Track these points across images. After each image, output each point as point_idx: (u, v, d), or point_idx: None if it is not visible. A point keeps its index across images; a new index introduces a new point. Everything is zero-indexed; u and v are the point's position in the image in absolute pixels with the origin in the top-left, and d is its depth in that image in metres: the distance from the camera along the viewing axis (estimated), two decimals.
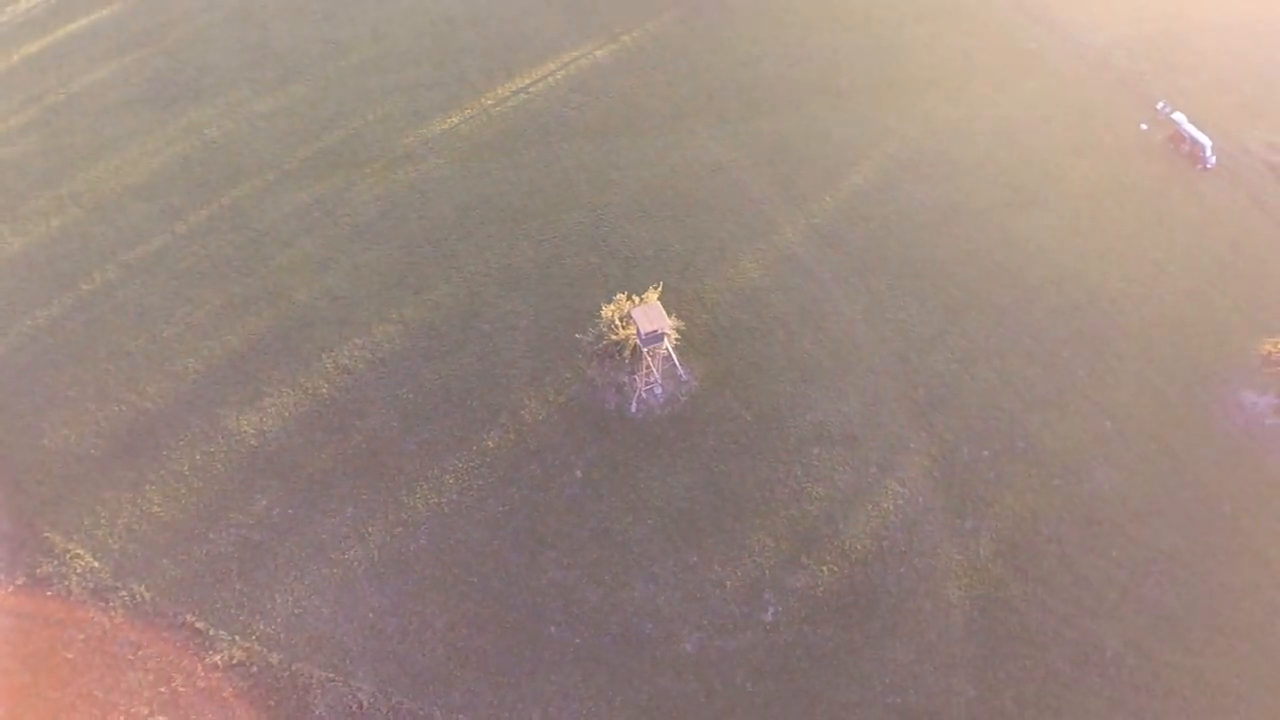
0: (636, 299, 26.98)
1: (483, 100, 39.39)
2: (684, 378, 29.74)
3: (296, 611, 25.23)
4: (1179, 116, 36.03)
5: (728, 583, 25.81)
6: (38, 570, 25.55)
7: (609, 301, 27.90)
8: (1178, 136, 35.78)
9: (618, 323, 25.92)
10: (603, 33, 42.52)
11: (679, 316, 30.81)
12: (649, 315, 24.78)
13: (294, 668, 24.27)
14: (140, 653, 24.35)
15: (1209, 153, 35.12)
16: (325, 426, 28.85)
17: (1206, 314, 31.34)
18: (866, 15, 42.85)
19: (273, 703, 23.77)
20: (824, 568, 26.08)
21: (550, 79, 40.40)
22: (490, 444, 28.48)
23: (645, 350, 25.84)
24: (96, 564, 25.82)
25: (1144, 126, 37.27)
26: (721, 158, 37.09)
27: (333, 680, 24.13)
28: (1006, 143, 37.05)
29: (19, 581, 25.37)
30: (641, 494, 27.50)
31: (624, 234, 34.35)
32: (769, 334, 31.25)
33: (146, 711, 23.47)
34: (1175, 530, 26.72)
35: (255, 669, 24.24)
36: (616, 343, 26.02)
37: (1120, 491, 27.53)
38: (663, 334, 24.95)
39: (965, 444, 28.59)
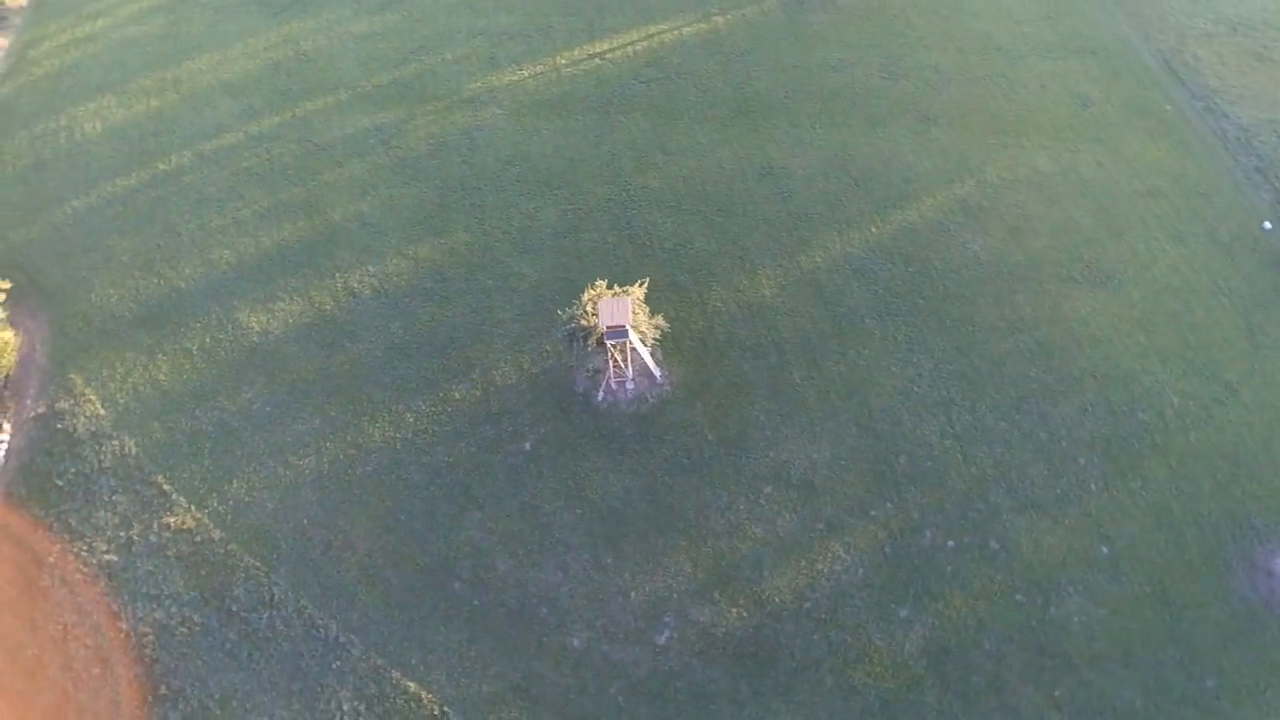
0: (617, 289, 26.49)
1: (558, 59, 39.32)
2: (659, 380, 29.10)
3: (246, 500, 27.53)
4: None
5: (633, 593, 25.52)
6: (56, 404, 29.31)
7: (596, 284, 27.46)
8: None
9: (588, 310, 25.63)
10: (697, 10, 40.97)
11: (673, 317, 30.12)
12: (614, 309, 24.31)
13: (229, 548, 26.63)
14: (114, 497, 27.54)
15: None
16: (319, 340, 30.75)
17: (1267, 457, 26.67)
18: (986, 40, 38.58)
19: (203, 572, 26.29)
20: (734, 609, 25.15)
21: (630, 48, 39.61)
22: (456, 395, 29.33)
23: (610, 344, 25.44)
24: (102, 411, 29.22)
25: (1267, 225, 31.56)
26: (775, 162, 35.17)
27: (257, 569, 26.29)
28: (1096, 209, 32.62)
29: (40, 410, 29.24)
30: (580, 482, 27.50)
31: (649, 220, 33.61)
32: (762, 357, 29.83)
33: (105, 549, 26.63)
34: (1138, 689, 23.49)
35: (199, 539, 26.82)
36: (584, 328, 25.78)
37: (1090, 628, 24.46)
38: (626, 329, 24.41)
39: (932, 528, 26.28)
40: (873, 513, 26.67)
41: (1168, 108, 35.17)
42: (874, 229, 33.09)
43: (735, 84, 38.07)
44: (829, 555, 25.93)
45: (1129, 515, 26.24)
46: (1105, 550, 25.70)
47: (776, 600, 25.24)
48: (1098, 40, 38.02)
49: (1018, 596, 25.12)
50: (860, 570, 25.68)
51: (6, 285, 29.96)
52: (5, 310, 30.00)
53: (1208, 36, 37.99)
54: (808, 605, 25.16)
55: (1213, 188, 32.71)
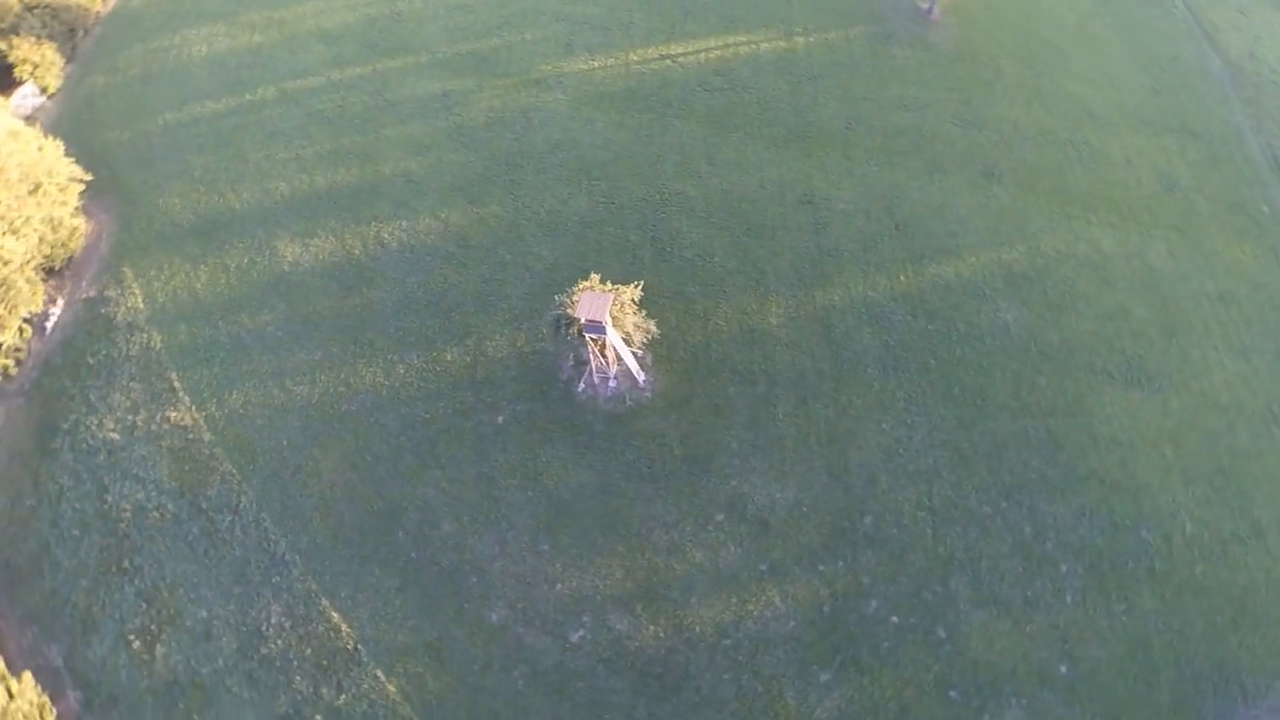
0: (610, 285, 26.54)
1: (630, 55, 39.68)
2: (641, 384, 29.01)
3: (240, 411, 29.56)
4: None
5: (559, 585, 25.64)
6: (106, 291, 32.43)
7: (607, 279, 27.67)
8: None
9: (574, 300, 25.83)
10: (779, 27, 40.30)
11: (673, 325, 29.99)
12: (593, 303, 24.42)
13: (214, 450, 28.70)
14: (130, 384, 30.22)
15: None
16: (340, 280, 32.52)
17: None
18: (1077, 102, 35.91)
19: (187, 468, 28.46)
20: (653, 626, 24.81)
21: (703, 55, 39.47)
22: (447, 357, 30.32)
23: (589, 337, 25.59)
24: (141, 305, 32.08)
25: None
26: (819, 192, 34.20)
27: (232, 475, 28.21)
28: (1155, 303, 29.80)
29: (91, 294, 32.44)
30: (539, 465, 27.86)
31: (676, 226, 33.48)
32: (750, 384, 29.17)
33: (111, 427, 29.31)
34: None
35: (191, 437, 29.04)
36: (569, 317, 26.03)
37: None
38: (602, 325, 24.49)
39: (879, 598, 24.94)
40: (821, 567, 25.60)
41: (1264, 208, 31.62)
42: (904, 278, 31.60)
43: (799, 107, 37.23)
44: (763, 599, 25.10)
45: (1101, 638, 23.97)
46: (1064, 669, 23.60)
47: (697, 629, 24.70)
48: (1202, 123, 34.64)
49: (952, 693, 23.48)
50: (792, 622, 24.73)
51: (88, 178, 33.36)
52: (82, 200, 33.42)
53: None
54: (727, 643, 24.48)
55: None
